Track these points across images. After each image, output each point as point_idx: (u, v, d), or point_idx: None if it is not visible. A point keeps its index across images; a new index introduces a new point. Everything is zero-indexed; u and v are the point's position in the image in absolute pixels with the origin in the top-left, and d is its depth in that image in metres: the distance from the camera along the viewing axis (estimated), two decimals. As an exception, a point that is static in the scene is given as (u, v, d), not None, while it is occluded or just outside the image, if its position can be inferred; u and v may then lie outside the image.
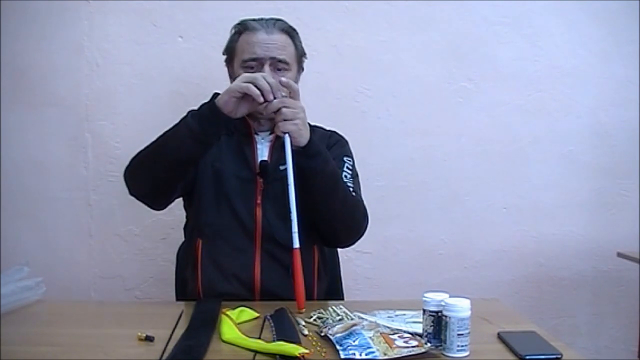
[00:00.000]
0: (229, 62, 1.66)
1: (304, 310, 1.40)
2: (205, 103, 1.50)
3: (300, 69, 1.68)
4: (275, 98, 1.43)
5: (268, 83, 1.42)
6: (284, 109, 1.44)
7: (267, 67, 1.57)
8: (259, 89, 1.42)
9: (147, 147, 1.54)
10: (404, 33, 2.22)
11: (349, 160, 1.68)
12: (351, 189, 1.58)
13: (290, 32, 1.64)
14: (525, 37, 2.26)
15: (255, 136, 1.63)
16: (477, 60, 2.25)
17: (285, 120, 1.44)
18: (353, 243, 1.65)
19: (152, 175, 1.53)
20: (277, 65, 1.58)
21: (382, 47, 2.22)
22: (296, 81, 1.65)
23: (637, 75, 2.28)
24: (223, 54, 1.67)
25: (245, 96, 1.44)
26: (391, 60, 2.22)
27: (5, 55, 2.14)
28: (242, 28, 1.62)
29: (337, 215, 1.55)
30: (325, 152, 1.53)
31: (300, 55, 1.66)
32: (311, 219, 1.56)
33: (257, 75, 1.45)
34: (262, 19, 1.62)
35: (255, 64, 1.58)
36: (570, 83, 2.29)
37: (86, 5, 2.14)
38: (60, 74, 2.16)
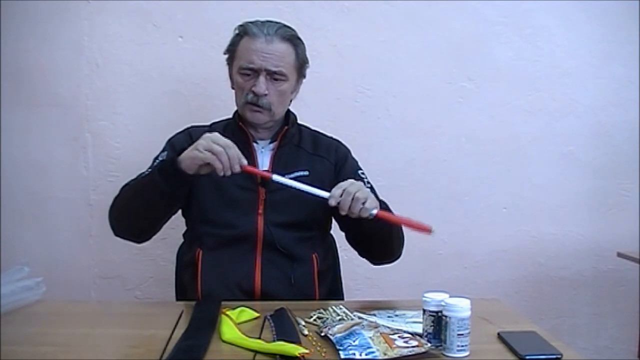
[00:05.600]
0: (230, 63, 1.64)
1: (431, 230, 1.38)
2: (167, 160, 1.49)
3: (301, 77, 1.65)
4: (233, 169, 1.38)
5: (229, 156, 1.38)
6: (355, 197, 1.38)
7: (262, 78, 1.54)
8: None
9: (124, 193, 1.55)
10: (404, 33, 2.22)
11: (363, 174, 1.68)
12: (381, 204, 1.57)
13: (293, 41, 1.59)
14: (525, 37, 2.26)
15: (255, 145, 1.62)
16: (477, 60, 2.25)
17: (364, 204, 1.39)
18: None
19: (137, 223, 1.55)
20: (273, 75, 1.56)
21: (382, 47, 2.21)
22: (295, 89, 1.64)
23: (637, 75, 2.28)
24: (224, 53, 1.65)
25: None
26: (391, 60, 2.22)
27: (6, 55, 2.14)
28: (244, 31, 1.58)
29: (387, 250, 1.61)
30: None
31: (301, 64, 1.62)
32: (320, 231, 1.61)
33: (221, 150, 1.38)
34: (265, 23, 1.58)
35: (251, 72, 1.56)
36: (570, 83, 2.29)
37: (86, 5, 2.14)
38: (60, 74, 2.16)
